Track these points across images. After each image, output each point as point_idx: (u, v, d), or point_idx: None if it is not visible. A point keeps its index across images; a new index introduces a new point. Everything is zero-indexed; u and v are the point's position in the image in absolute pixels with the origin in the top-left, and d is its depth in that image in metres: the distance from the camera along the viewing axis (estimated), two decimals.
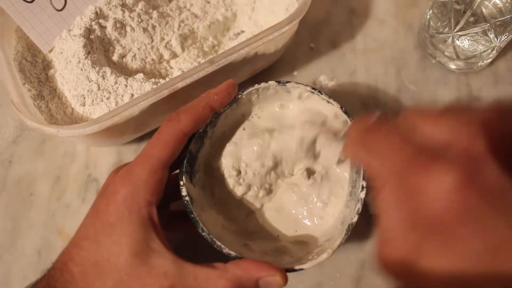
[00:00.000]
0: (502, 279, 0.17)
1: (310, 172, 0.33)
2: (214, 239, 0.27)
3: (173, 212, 0.33)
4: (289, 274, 0.26)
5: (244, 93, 0.32)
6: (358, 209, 0.29)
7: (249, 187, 0.32)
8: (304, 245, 0.32)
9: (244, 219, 0.33)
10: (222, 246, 0.27)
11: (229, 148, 0.32)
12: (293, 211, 0.33)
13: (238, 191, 0.32)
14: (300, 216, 0.33)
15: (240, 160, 0.32)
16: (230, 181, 0.32)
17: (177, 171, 0.30)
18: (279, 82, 0.32)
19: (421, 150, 0.19)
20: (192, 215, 0.28)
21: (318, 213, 0.32)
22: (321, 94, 0.32)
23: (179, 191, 0.29)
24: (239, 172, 0.32)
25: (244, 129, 0.33)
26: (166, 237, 0.26)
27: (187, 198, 0.28)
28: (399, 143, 0.20)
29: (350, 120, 0.32)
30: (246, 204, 0.33)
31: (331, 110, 0.33)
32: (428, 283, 0.18)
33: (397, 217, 0.19)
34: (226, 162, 0.32)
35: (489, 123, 0.18)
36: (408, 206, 0.18)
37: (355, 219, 0.28)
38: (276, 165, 0.33)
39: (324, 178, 0.33)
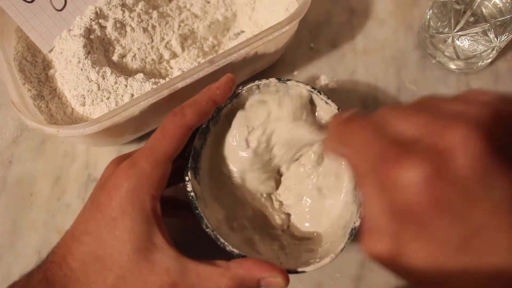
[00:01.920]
0: (480, 268, 0.17)
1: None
2: (218, 236, 0.27)
3: (164, 198, 0.33)
4: (289, 275, 0.26)
5: (244, 88, 0.32)
6: (361, 213, 0.28)
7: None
8: (303, 243, 0.32)
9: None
10: (226, 243, 0.27)
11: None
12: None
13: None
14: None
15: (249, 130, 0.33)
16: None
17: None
18: (279, 79, 0.32)
19: (392, 143, 0.19)
20: (197, 211, 0.28)
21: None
22: (320, 94, 0.32)
23: (174, 179, 0.29)
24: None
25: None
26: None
27: (192, 193, 0.28)
28: (371, 136, 0.20)
29: None
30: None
31: (329, 111, 0.33)
32: (411, 274, 0.18)
33: (377, 207, 0.19)
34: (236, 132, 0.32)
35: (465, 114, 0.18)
36: (386, 197, 0.18)
37: (357, 223, 0.28)
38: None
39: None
